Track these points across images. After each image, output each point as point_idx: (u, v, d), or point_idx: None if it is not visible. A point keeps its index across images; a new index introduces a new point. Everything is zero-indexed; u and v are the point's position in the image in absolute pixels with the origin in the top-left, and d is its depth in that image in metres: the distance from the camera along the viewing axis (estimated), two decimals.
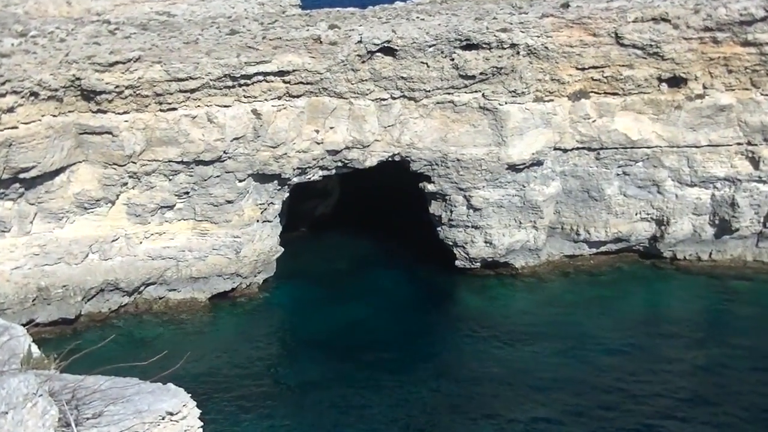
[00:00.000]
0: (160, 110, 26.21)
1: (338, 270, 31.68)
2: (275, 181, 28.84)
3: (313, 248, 33.06)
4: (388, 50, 27.24)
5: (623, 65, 28.40)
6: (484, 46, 27.22)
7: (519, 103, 28.48)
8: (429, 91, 27.94)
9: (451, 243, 31.08)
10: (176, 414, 6.28)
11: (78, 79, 25.11)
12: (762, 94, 28.31)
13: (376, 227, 33.79)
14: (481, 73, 27.72)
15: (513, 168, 29.45)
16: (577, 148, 29.95)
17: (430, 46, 26.98)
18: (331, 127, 27.98)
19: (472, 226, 30.55)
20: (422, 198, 31.51)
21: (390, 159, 29.46)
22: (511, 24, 27.37)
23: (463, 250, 30.91)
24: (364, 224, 34.15)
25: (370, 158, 28.96)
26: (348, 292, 30.38)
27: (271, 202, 29.48)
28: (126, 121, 25.95)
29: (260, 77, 26.70)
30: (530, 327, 27.62)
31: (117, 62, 25.29)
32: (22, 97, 24.47)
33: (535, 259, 31.21)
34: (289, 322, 29.43)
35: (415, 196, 31.57)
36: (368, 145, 28.71)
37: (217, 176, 27.67)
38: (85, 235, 27.28)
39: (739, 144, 29.01)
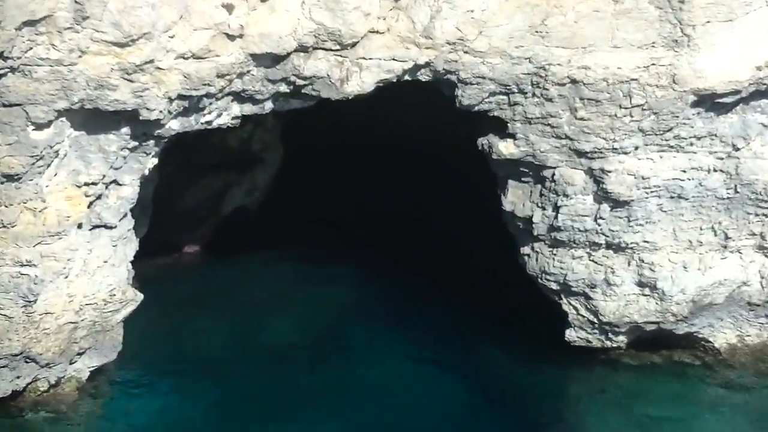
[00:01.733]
0: None
1: (277, 350, 30.76)
2: (124, 130, 26.45)
3: (217, 292, 33.12)
4: None
5: None
6: None
7: None
8: None
9: (554, 285, 29.59)
10: None
11: None
12: None
13: (370, 244, 34.64)
14: None
15: (708, 102, 27.63)
16: None
17: None
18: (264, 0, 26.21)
19: (608, 245, 28.86)
20: (485, 176, 29.93)
21: (406, 78, 27.46)
22: None
23: (584, 302, 29.51)
24: (338, 236, 35.30)
25: (356, 76, 27.07)
26: (299, 410, 28.50)
27: (115, 181, 27.13)
28: None
29: None
30: None
31: None
32: None
33: (764, 328, 29.81)
34: None
35: (468, 173, 32.17)
36: (353, 44, 26.68)
37: None
38: None
39: None
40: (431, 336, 31.11)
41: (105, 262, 27.38)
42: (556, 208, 28.37)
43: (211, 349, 30.49)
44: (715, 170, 28.15)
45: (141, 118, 25.70)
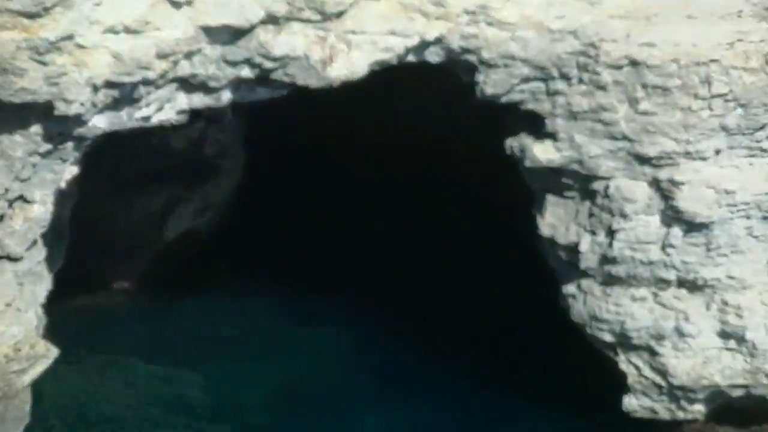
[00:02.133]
0: None
1: (235, 415, 30.39)
2: (34, 129, 25.99)
3: (156, 342, 33.13)
4: None
5: None
6: None
7: None
8: None
9: (609, 337, 28.57)
10: None
11: None
12: None
13: (359, 276, 34.59)
14: None
15: None
16: None
17: None
18: None
19: (681, 283, 28.04)
20: (515, 189, 29.65)
21: (409, 59, 27.15)
22: None
23: (648, 359, 28.52)
24: (317, 267, 35.36)
25: (344, 56, 26.72)
26: None
27: (21, 197, 26.70)
28: None
29: None
30: None
31: None
32: None
33: None
34: None
35: (492, 184, 33.60)
36: (339, 13, 26.34)
37: None
38: None
39: None
40: (442, 397, 30.51)
41: (8, 305, 26.47)
42: (611, 233, 27.22)
43: (149, 416, 29.77)
44: None
45: (56, 112, 24.84)
